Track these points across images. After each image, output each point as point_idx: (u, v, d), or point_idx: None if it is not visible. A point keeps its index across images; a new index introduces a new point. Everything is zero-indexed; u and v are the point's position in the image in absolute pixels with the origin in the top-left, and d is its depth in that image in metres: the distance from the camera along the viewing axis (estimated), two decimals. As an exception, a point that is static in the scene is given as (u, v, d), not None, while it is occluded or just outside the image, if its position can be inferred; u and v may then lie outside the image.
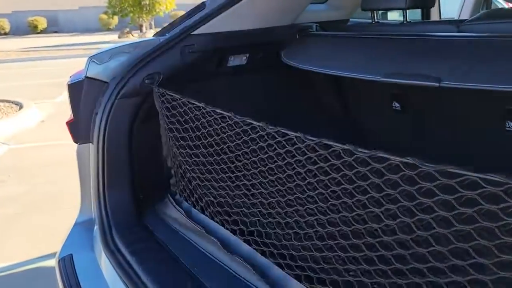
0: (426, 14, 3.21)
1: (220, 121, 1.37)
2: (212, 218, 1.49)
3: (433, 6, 2.09)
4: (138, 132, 1.76)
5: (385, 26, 2.01)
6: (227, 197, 1.41)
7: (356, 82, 2.02)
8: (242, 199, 1.36)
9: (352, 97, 2.29)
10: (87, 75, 1.73)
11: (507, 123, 1.74)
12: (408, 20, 1.94)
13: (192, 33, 1.79)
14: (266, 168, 1.26)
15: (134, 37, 17.52)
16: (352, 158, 0.95)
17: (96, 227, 1.72)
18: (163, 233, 1.65)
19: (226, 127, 1.35)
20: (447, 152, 2.01)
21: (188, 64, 1.80)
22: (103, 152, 1.68)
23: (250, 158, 1.32)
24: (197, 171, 1.53)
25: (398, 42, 1.70)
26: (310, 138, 1.06)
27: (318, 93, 2.34)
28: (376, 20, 2.07)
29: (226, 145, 1.38)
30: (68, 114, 1.79)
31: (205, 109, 1.40)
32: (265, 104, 2.16)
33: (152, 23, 19.77)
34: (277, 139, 1.19)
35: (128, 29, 19.01)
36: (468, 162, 1.88)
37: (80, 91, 1.74)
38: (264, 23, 2.00)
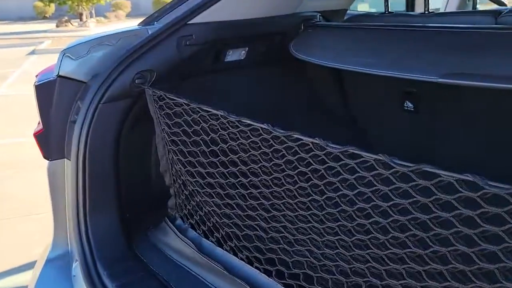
0: (411, 5, 3.05)
1: (245, 133, 1.08)
2: (236, 254, 1.20)
3: None
4: (126, 141, 1.43)
5: (404, 17, 1.80)
6: (258, 229, 1.12)
7: (364, 79, 1.78)
8: (279, 231, 1.08)
9: (360, 95, 2.06)
10: (59, 74, 1.38)
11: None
12: (429, 10, 1.72)
13: (188, 22, 1.47)
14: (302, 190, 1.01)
15: (73, 26, 16.48)
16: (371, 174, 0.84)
17: (75, 263, 1.38)
18: (162, 267, 1.35)
19: (254, 141, 1.07)
20: (469, 157, 1.84)
21: (185, 59, 1.49)
22: (84, 169, 1.34)
23: (283, 179, 1.05)
24: (212, 195, 1.23)
25: (433, 35, 1.48)
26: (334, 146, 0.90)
27: (323, 90, 2.09)
28: (389, 11, 1.85)
29: (253, 165, 1.10)
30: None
31: (225, 118, 1.11)
32: (266, 103, 1.88)
33: (93, 11, 18.70)
34: (314, 152, 0.94)
35: (66, 18, 17.86)
36: (497, 168, 1.72)
37: (51, 93, 1.38)
38: (265, 12, 1.71)
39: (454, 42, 1.43)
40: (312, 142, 0.93)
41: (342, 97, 2.08)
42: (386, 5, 1.84)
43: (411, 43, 1.53)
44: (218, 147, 1.16)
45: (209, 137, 1.18)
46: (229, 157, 1.15)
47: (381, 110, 2.02)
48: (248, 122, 1.06)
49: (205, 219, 1.29)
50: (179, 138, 1.27)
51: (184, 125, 1.24)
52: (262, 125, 1.03)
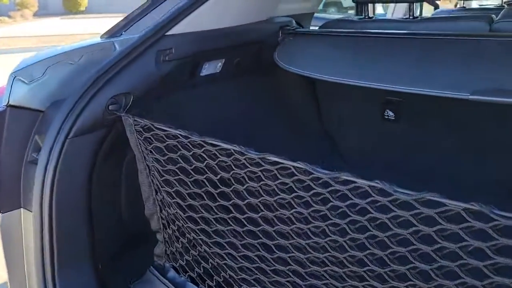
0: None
1: (270, 171, 0.89)
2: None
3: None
4: (98, 180, 1.17)
5: (388, 23, 1.68)
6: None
7: (348, 88, 1.66)
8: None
9: (343, 104, 1.92)
10: (10, 103, 1.09)
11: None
12: (413, 15, 1.62)
13: (167, 33, 1.24)
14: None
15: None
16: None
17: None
18: None
19: (258, 172, 0.88)
20: (449, 165, 1.78)
21: (164, 77, 1.26)
22: (51, 221, 1.07)
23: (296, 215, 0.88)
24: (223, 245, 1.02)
25: (431, 43, 1.37)
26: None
27: (304, 99, 1.94)
28: (368, 15, 1.73)
29: (270, 212, 0.91)
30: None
31: (242, 154, 0.91)
32: (244, 116, 1.70)
33: (-5, 11, 17.08)
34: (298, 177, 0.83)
35: (-37, 18, 16.15)
36: (481, 176, 1.67)
37: (0, 127, 1.09)
38: (242, 19, 1.52)
39: (455, 51, 1.34)
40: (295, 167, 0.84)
41: (325, 106, 1.95)
42: (366, 10, 1.72)
43: (404, 51, 1.42)
44: (231, 188, 0.96)
45: (218, 176, 0.97)
46: (245, 200, 0.95)
47: (362, 119, 1.91)
48: (274, 159, 0.87)
49: (212, 273, 1.07)
50: (175, 178, 1.04)
51: (181, 162, 1.02)
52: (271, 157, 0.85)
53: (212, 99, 1.60)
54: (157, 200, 1.14)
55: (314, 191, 0.83)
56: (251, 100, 1.76)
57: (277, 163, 0.86)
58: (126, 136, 1.12)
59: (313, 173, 0.81)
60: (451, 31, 1.48)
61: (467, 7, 2.85)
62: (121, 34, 1.27)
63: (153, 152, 1.06)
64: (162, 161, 1.05)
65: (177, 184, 1.04)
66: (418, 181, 1.89)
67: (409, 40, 1.43)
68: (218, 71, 1.55)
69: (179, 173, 1.03)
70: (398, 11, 3.03)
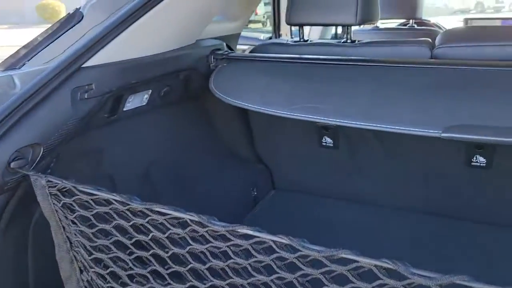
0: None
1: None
2: None
3: (377, 21, 1.72)
4: None
5: (325, 47, 1.56)
6: None
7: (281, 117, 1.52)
8: None
9: (276, 133, 1.77)
10: None
11: (474, 158, 1.53)
12: (350, 39, 1.52)
13: (84, 65, 0.99)
14: None
15: None
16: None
17: None
18: None
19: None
20: (386, 192, 1.72)
21: (81, 118, 1.00)
22: None
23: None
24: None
25: (374, 70, 1.27)
26: None
27: (236, 127, 1.77)
28: (304, 39, 1.60)
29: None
30: None
31: (204, 226, 0.70)
32: (172, 147, 1.49)
33: None
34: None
35: None
36: (424, 200, 1.62)
37: None
38: (169, 44, 1.31)
39: (403, 81, 1.25)
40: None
41: (258, 132, 1.79)
42: (302, 32, 1.59)
43: (347, 80, 1.30)
44: (188, 267, 0.75)
45: (170, 253, 0.75)
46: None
47: (298, 146, 1.78)
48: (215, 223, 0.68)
49: None
50: (110, 255, 0.80)
51: (117, 234, 0.79)
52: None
53: (137, 133, 1.37)
54: (83, 281, 0.88)
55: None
56: (182, 128, 1.56)
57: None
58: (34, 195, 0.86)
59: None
60: (393, 58, 1.40)
61: (379, 27, 2.88)
62: (23, 66, 1.00)
63: (77, 223, 0.81)
64: (90, 234, 0.80)
65: (112, 264, 0.80)
66: (355, 205, 1.83)
67: (351, 67, 1.32)
68: (144, 103, 1.32)
69: (113, 248, 0.80)
70: (314, 32, 2.98)
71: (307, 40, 1.61)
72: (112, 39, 1.03)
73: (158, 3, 1.11)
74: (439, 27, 3.23)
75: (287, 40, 1.65)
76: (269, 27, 3.18)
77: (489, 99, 1.06)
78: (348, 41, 1.54)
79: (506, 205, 1.55)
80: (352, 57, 1.40)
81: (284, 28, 2.66)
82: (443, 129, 1.00)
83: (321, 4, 1.43)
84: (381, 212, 1.74)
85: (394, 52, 1.44)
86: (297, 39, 1.62)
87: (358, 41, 1.54)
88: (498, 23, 3.76)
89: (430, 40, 1.46)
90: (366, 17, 1.45)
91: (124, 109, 1.24)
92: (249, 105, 1.29)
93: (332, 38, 3.06)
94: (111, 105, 1.17)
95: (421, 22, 2.84)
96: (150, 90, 1.31)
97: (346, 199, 1.81)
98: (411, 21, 2.58)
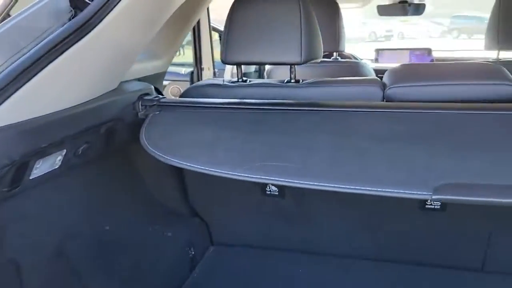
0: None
1: None
2: None
3: (321, 58, 1.56)
4: None
5: (266, 88, 1.37)
6: None
7: None
8: None
9: (213, 185, 1.55)
10: None
11: (429, 200, 1.45)
12: (294, 78, 1.36)
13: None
14: None
15: None
16: None
17: None
18: None
19: None
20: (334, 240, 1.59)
21: None
22: None
23: None
24: None
25: (328, 116, 1.12)
26: None
27: (168, 180, 1.53)
28: (242, 79, 1.42)
29: None
30: None
31: None
32: (96, 208, 1.23)
33: None
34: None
35: None
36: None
37: None
38: (87, 93, 1.06)
39: (363, 129, 1.10)
40: None
41: (193, 186, 1.57)
42: (240, 72, 1.41)
43: (300, 130, 1.13)
44: None
45: None
46: None
47: (238, 197, 1.59)
48: None
49: None
50: None
51: None
52: None
53: (47, 203, 1.08)
54: None
55: None
56: (105, 188, 1.30)
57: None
58: None
59: None
60: (345, 99, 1.27)
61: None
62: None
63: None
64: None
65: None
66: (304, 256, 1.67)
67: (305, 113, 1.16)
68: (56, 167, 1.05)
69: None
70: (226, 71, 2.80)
71: (245, 80, 1.44)
72: (11, 93, 0.77)
73: (73, 44, 0.87)
74: (356, 58, 3.25)
75: (224, 81, 1.46)
76: (185, 57, 2.96)
77: (469, 149, 0.95)
78: (292, 80, 1.39)
79: (462, 247, 1.48)
80: (306, 101, 1.24)
81: (206, 60, 2.47)
82: (432, 190, 0.87)
83: (264, 43, 1.27)
84: (333, 262, 1.60)
85: (345, 92, 1.31)
86: (235, 79, 1.43)
87: (303, 80, 1.40)
88: (406, 53, 3.89)
89: (378, 79, 1.36)
90: (311, 56, 1.32)
91: (31, 178, 0.96)
92: (193, 165, 1.07)
93: (255, 71, 2.94)
94: (12, 175, 0.89)
95: (342, 54, 2.82)
96: (65, 150, 1.04)
97: (293, 251, 1.64)
98: (334, 53, 2.52)
